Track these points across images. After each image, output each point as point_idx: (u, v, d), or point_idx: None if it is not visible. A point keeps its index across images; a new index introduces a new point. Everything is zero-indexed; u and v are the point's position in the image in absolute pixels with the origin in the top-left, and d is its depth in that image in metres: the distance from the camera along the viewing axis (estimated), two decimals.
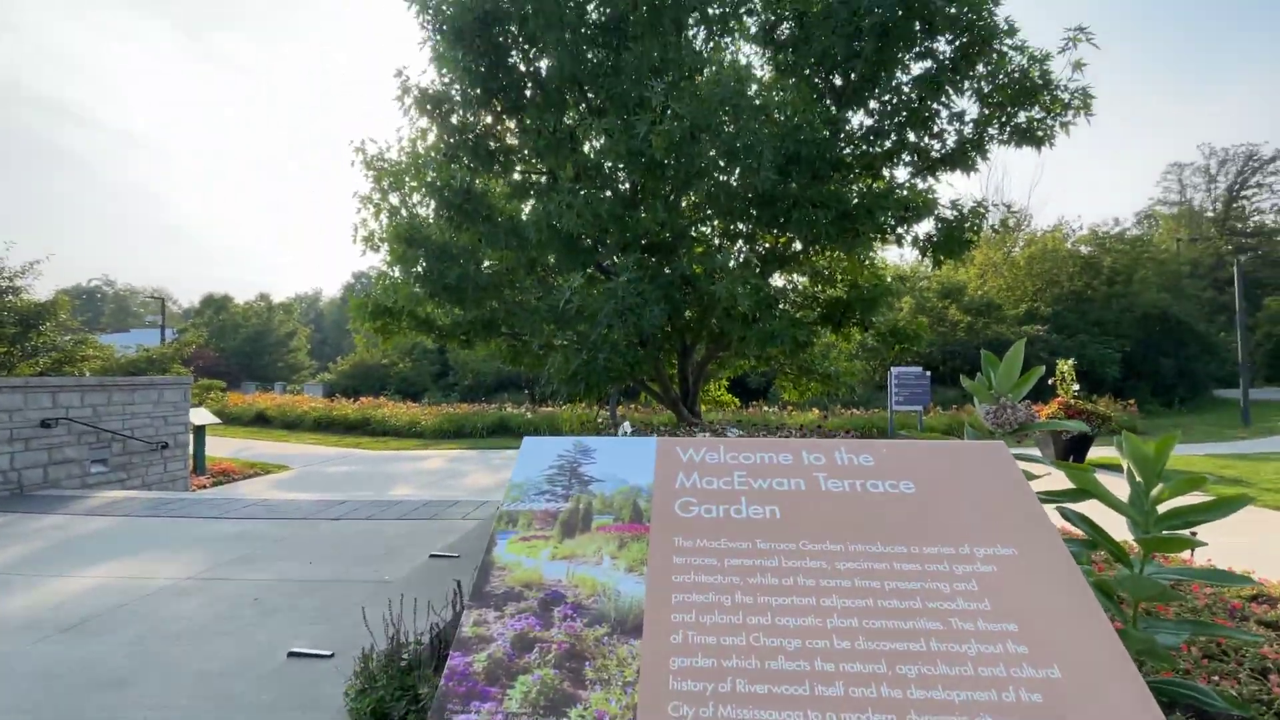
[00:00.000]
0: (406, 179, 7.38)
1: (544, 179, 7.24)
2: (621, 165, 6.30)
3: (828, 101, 6.46)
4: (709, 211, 7.01)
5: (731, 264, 6.02)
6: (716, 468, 1.89)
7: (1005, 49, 6.12)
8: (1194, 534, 2.16)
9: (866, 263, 7.76)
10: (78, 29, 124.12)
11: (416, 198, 7.41)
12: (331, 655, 3.11)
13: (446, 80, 6.59)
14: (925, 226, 6.84)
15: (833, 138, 6.10)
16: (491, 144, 6.86)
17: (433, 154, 7.10)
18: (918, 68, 6.46)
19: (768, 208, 6.20)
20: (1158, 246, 31.80)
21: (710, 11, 6.59)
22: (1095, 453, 10.12)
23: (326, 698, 2.71)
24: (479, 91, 6.41)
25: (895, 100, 6.53)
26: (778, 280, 8.16)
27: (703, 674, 1.33)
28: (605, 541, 1.68)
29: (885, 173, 7.04)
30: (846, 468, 1.87)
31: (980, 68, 6.23)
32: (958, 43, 6.17)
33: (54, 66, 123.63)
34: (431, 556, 4.70)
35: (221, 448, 14.35)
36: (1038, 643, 1.36)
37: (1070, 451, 9.50)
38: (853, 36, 5.94)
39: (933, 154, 6.68)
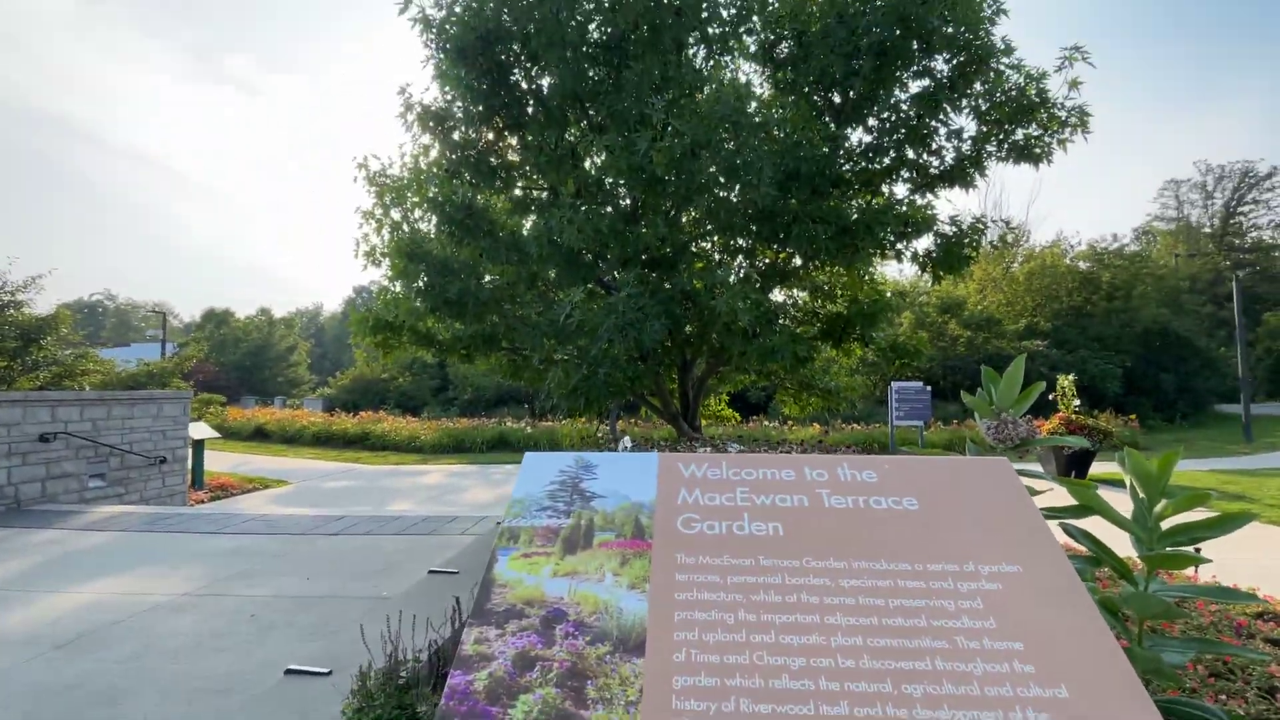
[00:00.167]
0: (408, 194, 7.43)
1: (545, 195, 7.29)
2: (622, 181, 6.35)
3: (827, 119, 6.52)
4: (709, 227, 7.05)
5: (732, 279, 6.04)
6: (719, 484, 1.88)
7: (1002, 68, 6.20)
8: (1198, 550, 2.14)
9: (866, 278, 7.79)
10: (84, 49, 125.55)
11: (418, 213, 7.46)
12: (329, 672, 3.07)
13: (449, 98, 6.66)
14: (924, 242, 6.88)
15: (832, 154, 6.15)
16: (493, 160, 6.92)
17: (435, 170, 7.15)
18: (916, 86, 6.53)
19: (768, 223, 6.23)
20: (1156, 262, 31.90)
21: (710, 31, 6.67)
22: (1097, 468, 10.09)
23: (324, 716, 2.68)
24: (481, 109, 6.47)
25: (894, 118, 6.59)
26: (778, 295, 8.19)
27: (706, 693, 1.32)
28: (607, 558, 1.67)
29: (884, 189, 7.09)
30: (849, 484, 1.87)
31: (978, 86, 6.30)
32: (955, 61, 6.24)
33: (60, 85, 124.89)
34: (430, 572, 4.67)
35: (220, 462, 14.30)
36: (1044, 662, 1.35)
37: (1072, 467, 9.47)
38: (851, 55, 6.01)
39: (931, 170, 6.73)
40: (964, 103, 6.37)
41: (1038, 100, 6.14)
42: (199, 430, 10.89)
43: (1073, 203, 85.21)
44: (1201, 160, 49.26)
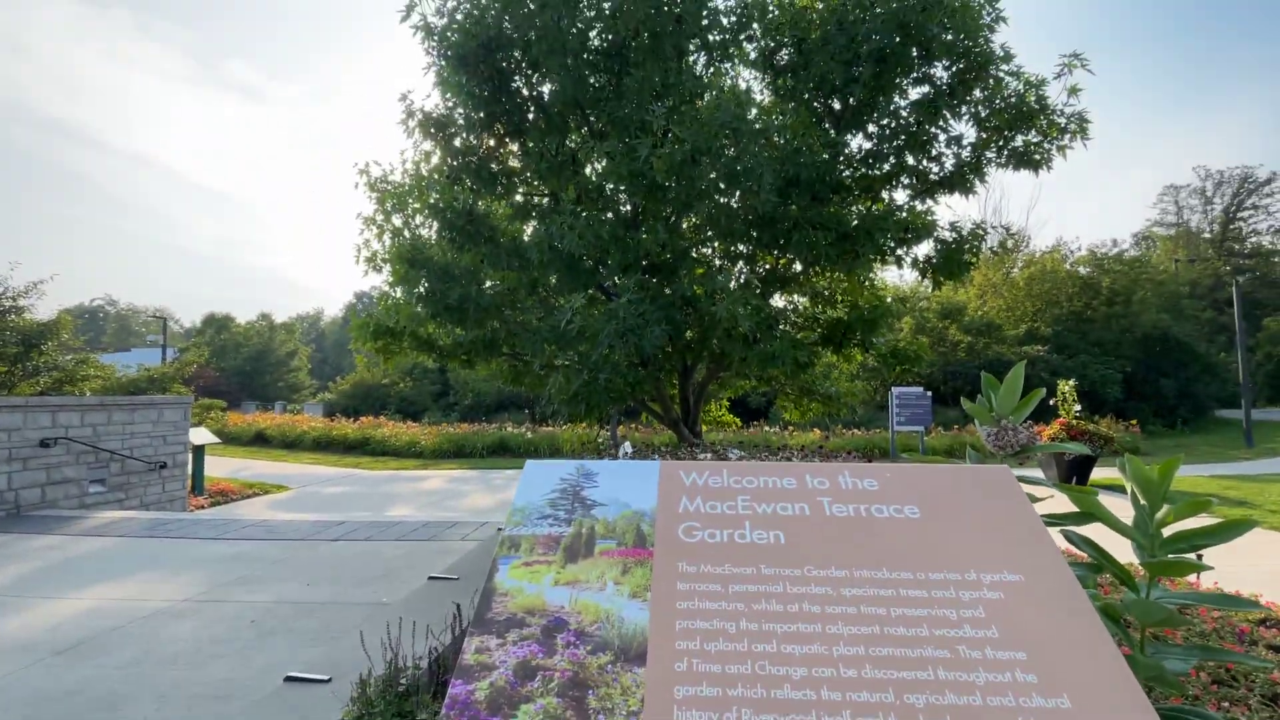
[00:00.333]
0: (410, 200, 7.45)
1: (546, 201, 7.30)
2: (623, 187, 6.36)
3: (827, 125, 6.54)
4: (710, 233, 7.07)
5: (732, 285, 6.06)
6: (720, 492, 1.88)
7: (1001, 74, 6.22)
8: (1200, 557, 2.14)
9: (866, 284, 7.80)
10: (86, 53, 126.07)
11: (419, 219, 7.47)
12: (329, 679, 3.07)
13: (450, 104, 6.68)
14: (925, 248, 6.89)
15: (832, 160, 6.17)
16: (494, 166, 6.94)
17: (436, 176, 7.17)
18: (915, 92, 6.56)
19: (768, 229, 6.25)
20: (1156, 267, 31.92)
21: (711, 38, 6.70)
22: (1098, 473, 10.08)
23: None
24: (482, 115, 6.50)
25: (894, 124, 6.61)
26: (778, 301, 8.20)
27: (707, 703, 1.32)
28: (608, 567, 1.67)
29: (884, 195, 7.10)
30: (851, 492, 1.87)
31: (977, 93, 6.32)
32: (955, 68, 6.26)
33: (62, 88, 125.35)
34: (430, 578, 4.66)
35: (220, 467, 14.30)
36: (1047, 671, 1.35)
37: (1073, 472, 9.45)
38: (851, 62, 6.04)
39: (931, 177, 6.75)
40: (964, 109, 6.39)
41: (1037, 107, 6.16)
42: (199, 435, 10.89)
43: (1073, 208, 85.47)
44: (1201, 165, 49.45)
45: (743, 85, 7.05)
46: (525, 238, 7.04)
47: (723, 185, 5.88)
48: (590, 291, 6.88)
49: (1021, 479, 2.26)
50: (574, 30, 6.09)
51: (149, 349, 47.61)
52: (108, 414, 8.63)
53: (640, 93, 6.06)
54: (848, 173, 6.74)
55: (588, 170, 6.82)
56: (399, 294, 7.42)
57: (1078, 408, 10.34)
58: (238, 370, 41.47)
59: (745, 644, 1.43)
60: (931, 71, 6.38)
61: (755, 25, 6.74)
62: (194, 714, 2.81)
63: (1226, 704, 2.68)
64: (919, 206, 6.88)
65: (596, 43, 6.43)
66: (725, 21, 6.65)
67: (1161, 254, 41.02)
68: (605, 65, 6.37)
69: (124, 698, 2.96)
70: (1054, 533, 1.90)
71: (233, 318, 46.53)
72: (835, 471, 1.95)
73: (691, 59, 6.89)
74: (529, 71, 6.50)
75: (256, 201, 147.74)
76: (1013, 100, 6.22)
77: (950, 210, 23.13)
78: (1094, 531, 2.17)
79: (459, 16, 6.07)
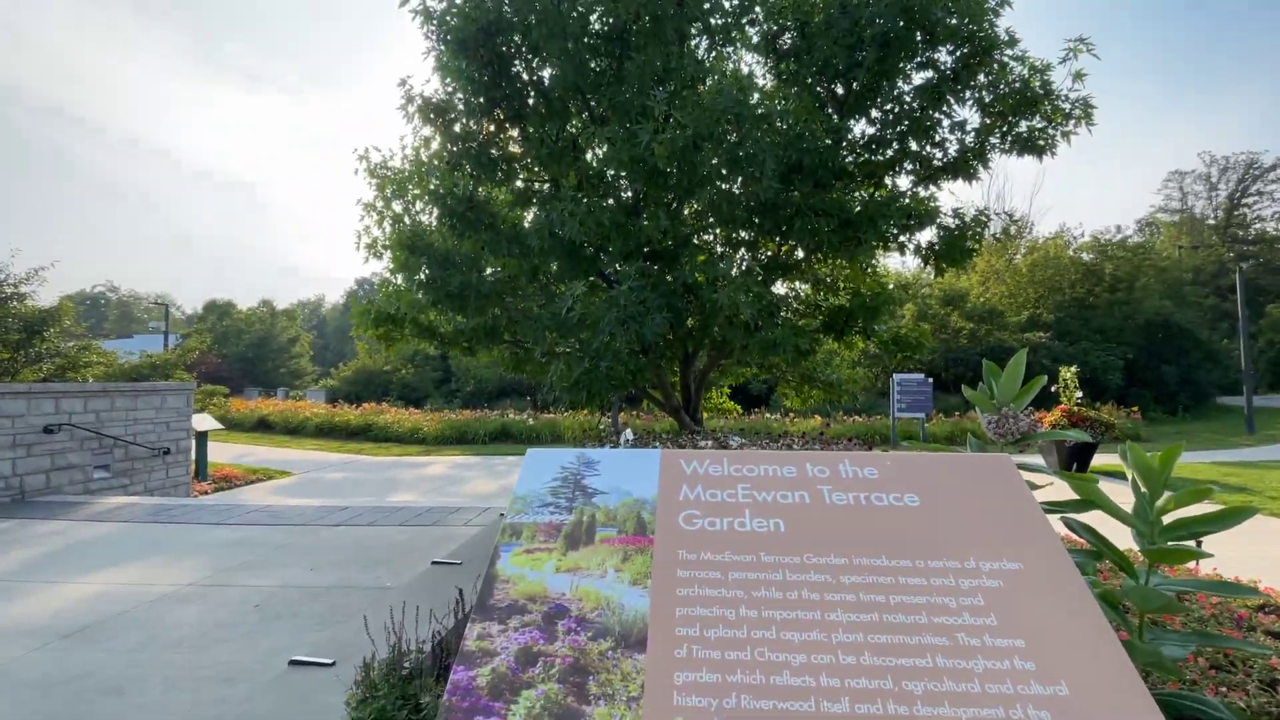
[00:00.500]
0: (410, 187, 7.40)
1: (546, 187, 7.26)
2: (624, 173, 6.32)
3: (830, 110, 6.48)
4: (711, 220, 7.03)
5: (734, 272, 6.03)
6: (720, 480, 1.89)
7: (1006, 59, 6.15)
8: (1199, 544, 2.15)
9: (869, 271, 7.76)
10: (84, 38, 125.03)
11: (419, 205, 7.43)
12: (333, 663, 3.10)
13: (450, 89, 6.62)
14: (927, 234, 6.85)
15: (835, 146, 6.12)
16: (494, 152, 6.89)
17: (436, 162, 7.12)
18: (919, 77, 6.48)
19: (770, 216, 6.21)
20: (1159, 254, 31.78)
21: (713, 22, 6.62)
22: (1099, 460, 10.09)
23: (327, 706, 2.70)
24: (482, 100, 6.44)
25: (897, 109, 6.55)
26: (780, 288, 8.16)
27: (707, 689, 1.33)
28: (609, 554, 1.68)
29: (887, 181, 7.05)
30: (851, 480, 1.87)
31: (981, 78, 6.25)
32: (959, 53, 6.19)
33: (60, 74, 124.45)
34: (433, 563, 4.69)
35: (223, 453, 14.37)
36: (1045, 659, 1.36)
37: (1074, 459, 9.46)
38: (854, 46, 5.97)
39: (934, 162, 6.69)
40: (967, 94, 6.33)
41: (1041, 92, 6.09)
42: (202, 422, 10.93)
43: (1076, 194, 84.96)
44: (1206, 152, 49.18)
45: (745, 70, 6.98)
46: (526, 224, 7.00)
47: (724, 171, 5.83)
48: (591, 279, 6.86)
49: (1022, 466, 2.26)
50: (574, 14, 6.02)
51: (151, 335, 47.69)
52: (111, 400, 8.66)
53: (641, 77, 6.00)
54: (850, 158, 6.69)
55: (588, 156, 6.77)
56: (400, 281, 7.39)
57: (1079, 394, 10.32)
58: (240, 357, 41.53)
59: (745, 631, 1.44)
60: (935, 56, 6.31)
61: (758, 9, 6.65)
62: (200, 697, 2.84)
63: (1224, 689, 2.70)
64: (922, 193, 6.83)
65: (597, 26, 6.36)
66: (727, 5, 6.57)
67: (1165, 240, 40.82)
68: (606, 49, 6.30)
69: (131, 681, 2.99)
70: (1054, 520, 1.90)
71: (234, 304, 46.55)
72: (835, 460, 1.95)
73: (693, 43, 6.82)
74: (529, 56, 6.44)
75: (257, 187, 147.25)
76: (1017, 85, 6.15)
77: (953, 196, 22.90)
78: (1094, 518, 2.17)
79: (458, 0, 6.00)
